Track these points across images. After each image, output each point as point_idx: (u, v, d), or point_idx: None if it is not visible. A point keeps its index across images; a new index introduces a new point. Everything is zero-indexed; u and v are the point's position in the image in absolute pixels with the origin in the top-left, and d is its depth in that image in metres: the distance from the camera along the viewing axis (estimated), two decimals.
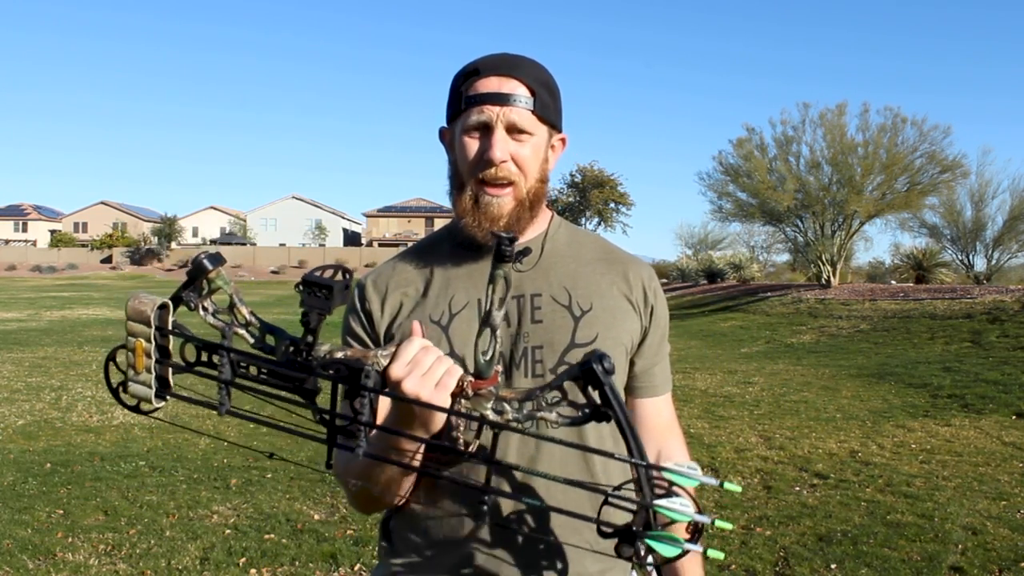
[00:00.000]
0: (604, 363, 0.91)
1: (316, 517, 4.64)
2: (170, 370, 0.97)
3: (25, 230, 77.28)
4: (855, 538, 4.21)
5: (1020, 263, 27.76)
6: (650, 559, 0.97)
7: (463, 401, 0.98)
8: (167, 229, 66.68)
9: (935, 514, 4.57)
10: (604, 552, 1.23)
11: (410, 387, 0.96)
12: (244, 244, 69.45)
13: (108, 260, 64.78)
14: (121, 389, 0.98)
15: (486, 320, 1.01)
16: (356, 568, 3.91)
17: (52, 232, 73.80)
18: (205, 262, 0.95)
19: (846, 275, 27.62)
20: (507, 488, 1.18)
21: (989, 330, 12.43)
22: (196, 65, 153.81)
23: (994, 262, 25.15)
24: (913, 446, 6.32)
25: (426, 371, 0.97)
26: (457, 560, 1.19)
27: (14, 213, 77.99)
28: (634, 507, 0.93)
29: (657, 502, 0.90)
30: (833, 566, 3.86)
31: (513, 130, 1.17)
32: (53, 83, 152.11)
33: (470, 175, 1.19)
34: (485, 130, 1.17)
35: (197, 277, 0.96)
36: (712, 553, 0.91)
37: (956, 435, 6.66)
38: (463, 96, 1.19)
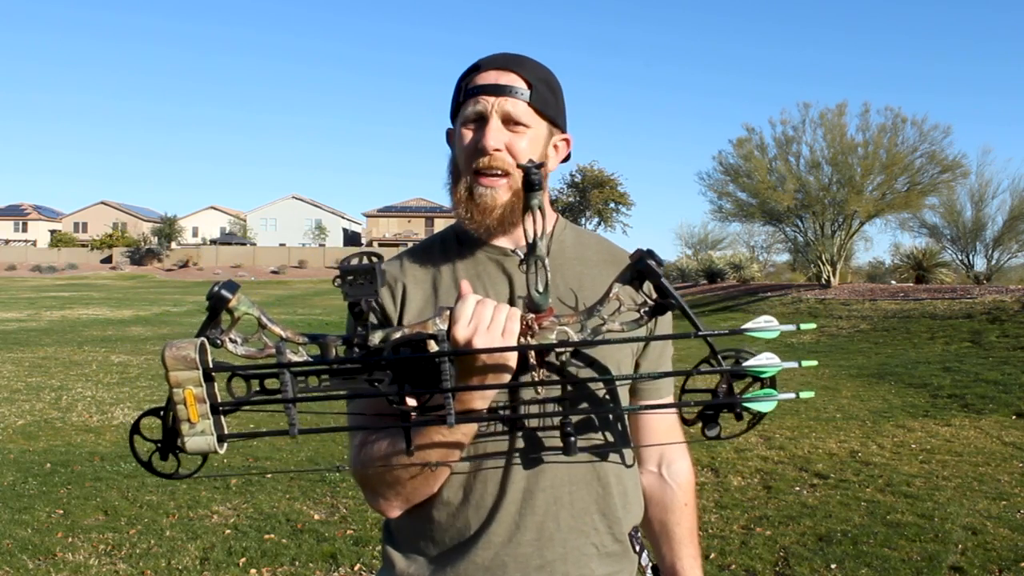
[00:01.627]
0: (655, 256, 0.95)
1: (316, 517, 4.64)
2: (221, 413, 0.93)
3: (25, 230, 77.26)
4: (855, 538, 4.21)
5: (1020, 263, 27.77)
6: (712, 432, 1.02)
7: (531, 339, 1.00)
8: (167, 229, 66.67)
9: (935, 514, 4.57)
10: (612, 554, 1.23)
11: (480, 344, 0.98)
12: (244, 244, 69.46)
13: (108, 260, 64.76)
14: (157, 457, 0.94)
15: (531, 252, 1.02)
16: (356, 568, 3.91)
17: (52, 232, 73.79)
18: (223, 292, 0.92)
19: (846, 275, 27.61)
20: (518, 487, 1.17)
21: (989, 330, 12.43)
22: (196, 65, 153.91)
23: (994, 262, 25.16)
24: (913, 446, 6.32)
25: (489, 324, 0.98)
26: (464, 562, 1.18)
27: (14, 213, 77.98)
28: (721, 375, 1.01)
29: (747, 363, 0.94)
30: (833, 566, 3.86)
31: (509, 121, 1.17)
32: (53, 83, 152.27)
33: (466, 166, 1.20)
34: (481, 120, 1.18)
35: (219, 310, 0.92)
36: (804, 394, 0.96)
37: (956, 435, 6.66)
38: (463, 90, 1.20)
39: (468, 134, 1.19)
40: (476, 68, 1.20)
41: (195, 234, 76.33)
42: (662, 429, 1.31)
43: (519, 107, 1.17)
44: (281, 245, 69.04)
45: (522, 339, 1.00)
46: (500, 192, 1.18)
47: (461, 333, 0.98)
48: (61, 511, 4.75)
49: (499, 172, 1.17)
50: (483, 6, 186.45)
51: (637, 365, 1.29)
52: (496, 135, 1.16)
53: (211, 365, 0.91)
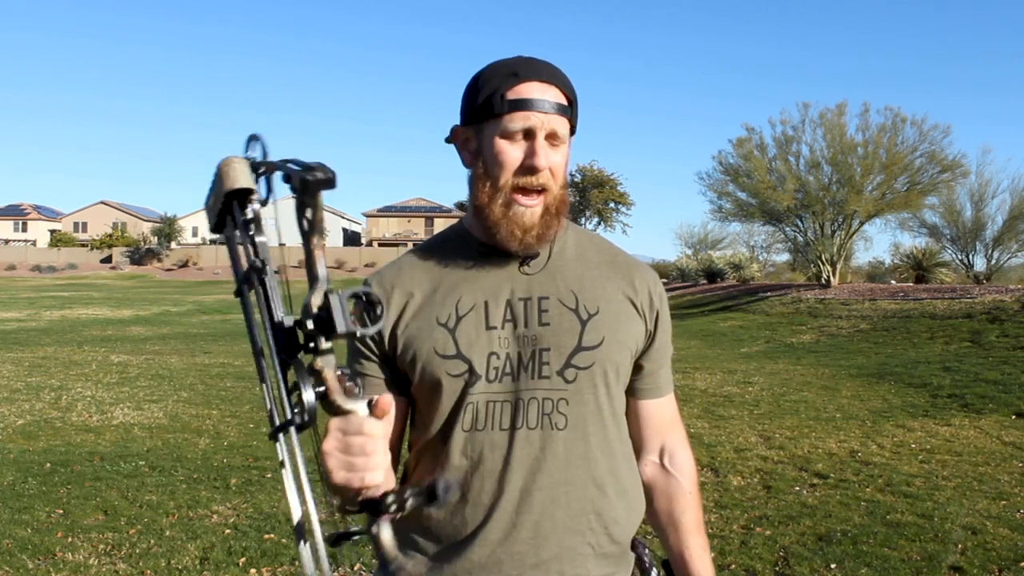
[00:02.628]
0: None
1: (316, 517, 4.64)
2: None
3: (25, 230, 77.23)
4: (855, 538, 4.21)
5: (1020, 263, 27.76)
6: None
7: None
8: (167, 229, 66.64)
9: (935, 514, 4.57)
10: (608, 555, 1.24)
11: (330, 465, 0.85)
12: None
13: (108, 260, 64.74)
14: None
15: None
16: (356, 568, 3.91)
17: (52, 232, 73.74)
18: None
19: (846, 275, 27.60)
20: (515, 487, 1.18)
21: (989, 330, 12.43)
22: (196, 65, 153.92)
23: (994, 262, 25.15)
24: (913, 446, 6.32)
25: (349, 458, 0.84)
26: (460, 560, 1.19)
27: (14, 213, 77.93)
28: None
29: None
30: (833, 566, 3.86)
31: (552, 138, 1.17)
32: (53, 83, 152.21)
33: (507, 181, 1.18)
34: (527, 136, 1.16)
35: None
36: None
37: (956, 435, 6.66)
38: (503, 99, 1.16)
39: (511, 148, 1.17)
40: (514, 75, 1.17)
41: (195, 234, 76.26)
42: (663, 423, 1.33)
43: (563, 125, 1.18)
44: (281, 245, 68.92)
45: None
46: (537, 210, 1.19)
47: (325, 444, 0.85)
48: (61, 511, 4.75)
49: (540, 189, 1.18)
50: (483, 6, 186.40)
51: (639, 367, 1.30)
52: (545, 153, 1.16)
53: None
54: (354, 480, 0.84)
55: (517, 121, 1.15)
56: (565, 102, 1.18)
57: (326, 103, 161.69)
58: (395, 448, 1.34)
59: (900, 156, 21.11)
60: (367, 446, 0.82)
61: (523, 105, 1.15)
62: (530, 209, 1.18)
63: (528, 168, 1.16)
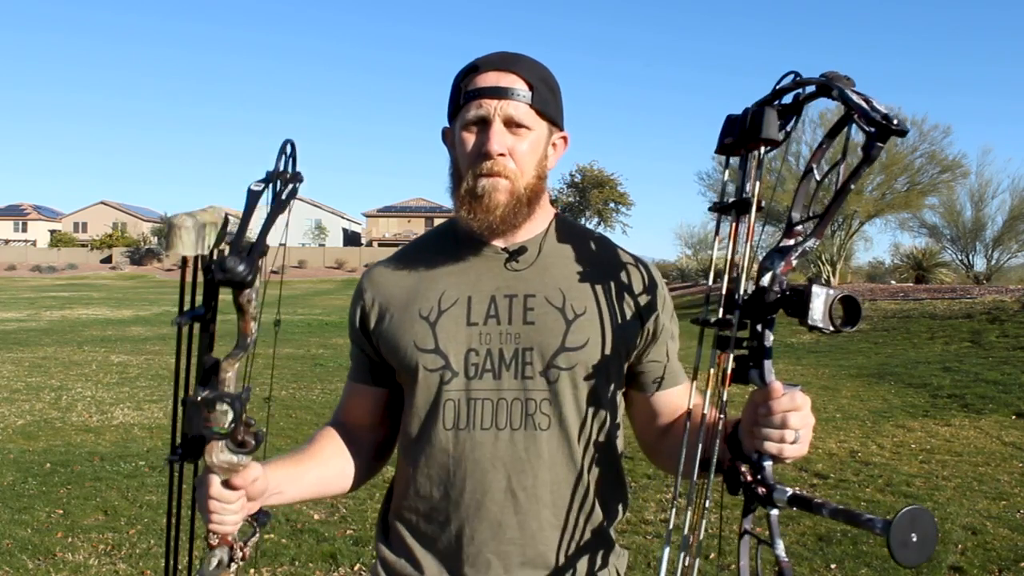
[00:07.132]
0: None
1: (316, 517, 4.64)
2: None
3: (25, 230, 77.24)
4: (855, 538, 4.21)
5: (1020, 263, 27.80)
6: None
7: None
8: (167, 229, 66.67)
9: (935, 514, 4.56)
10: (594, 548, 1.24)
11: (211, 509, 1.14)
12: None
13: (108, 260, 64.69)
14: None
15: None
16: (356, 568, 3.91)
17: (52, 232, 73.74)
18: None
19: (846, 275, 27.60)
20: (500, 487, 1.19)
21: (989, 330, 12.43)
22: (195, 65, 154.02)
23: (994, 262, 25.20)
24: (913, 446, 6.32)
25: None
26: (450, 559, 1.21)
27: (14, 213, 77.95)
28: None
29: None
30: (833, 566, 3.86)
31: (511, 124, 1.17)
32: (53, 83, 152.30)
33: (468, 169, 1.19)
34: (483, 124, 1.17)
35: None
36: None
37: (956, 435, 6.66)
38: (462, 92, 1.19)
39: (470, 138, 1.18)
40: (474, 69, 1.19)
41: None
42: (682, 409, 1.25)
43: (521, 109, 1.17)
44: (281, 245, 68.93)
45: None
46: (501, 191, 1.17)
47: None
48: (61, 511, 4.75)
49: (500, 175, 1.17)
50: (483, 6, 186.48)
51: (646, 363, 1.26)
52: (499, 139, 1.16)
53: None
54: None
55: (471, 110, 1.17)
56: (525, 88, 1.17)
57: (326, 103, 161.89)
58: (381, 440, 1.35)
59: (900, 156, 21.14)
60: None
61: (476, 94, 1.17)
62: (493, 189, 1.17)
63: (483, 155, 1.16)
